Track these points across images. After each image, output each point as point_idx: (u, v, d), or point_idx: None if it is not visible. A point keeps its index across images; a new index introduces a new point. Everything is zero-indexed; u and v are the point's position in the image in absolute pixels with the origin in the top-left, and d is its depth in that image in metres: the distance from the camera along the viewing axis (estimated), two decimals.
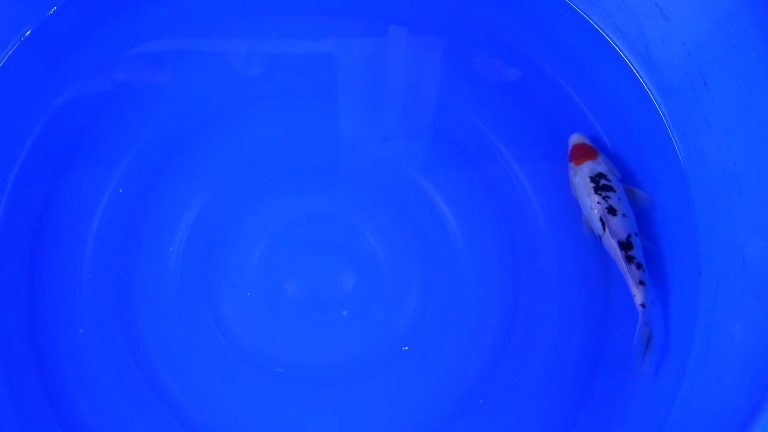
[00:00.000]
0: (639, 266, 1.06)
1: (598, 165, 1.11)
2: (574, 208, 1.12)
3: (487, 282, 1.11)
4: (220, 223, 1.13)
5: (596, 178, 1.10)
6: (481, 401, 1.08)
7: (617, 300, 1.10)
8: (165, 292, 1.11)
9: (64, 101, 1.16)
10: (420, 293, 1.11)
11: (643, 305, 1.05)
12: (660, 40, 1.11)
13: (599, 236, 1.09)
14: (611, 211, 1.08)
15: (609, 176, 1.10)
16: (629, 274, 1.05)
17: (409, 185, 1.14)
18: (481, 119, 1.16)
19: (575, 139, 1.14)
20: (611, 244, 1.07)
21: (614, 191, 1.09)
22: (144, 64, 1.17)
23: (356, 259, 1.12)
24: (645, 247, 1.08)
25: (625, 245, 1.06)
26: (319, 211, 1.14)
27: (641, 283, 1.05)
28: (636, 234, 1.07)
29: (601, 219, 1.08)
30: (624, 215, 1.08)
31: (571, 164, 1.13)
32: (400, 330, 1.10)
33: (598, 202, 1.08)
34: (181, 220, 1.13)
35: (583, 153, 1.12)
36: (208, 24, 1.19)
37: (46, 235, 1.12)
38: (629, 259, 1.06)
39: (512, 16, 1.18)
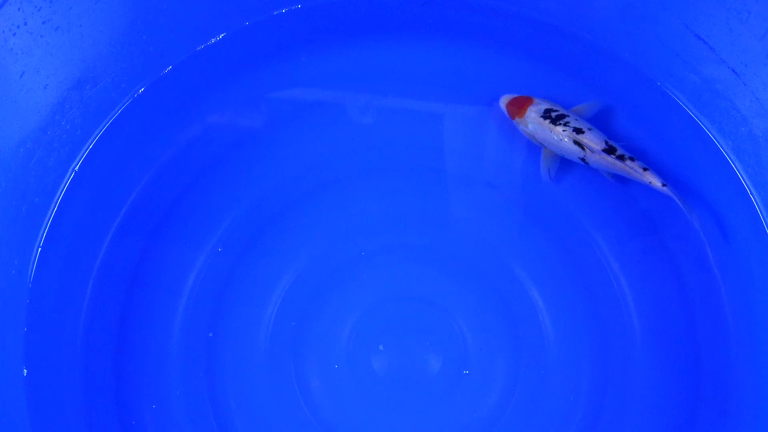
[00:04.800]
0: (633, 159, 1.09)
1: (540, 105, 1.13)
2: (668, 308, 1.12)
3: (575, 374, 1.11)
4: (314, 292, 1.14)
5: (547, 115, 1.12)
6: None
7: (707, 395, 1.09)
8: (254, 356, 1.13)
9: (171, 159, 1.17)
10: (506, 380, 1.11)
11: (664, 185, 1.08)
12: None
13: (582, 159, 1.11)
14: (579, 131, 1.11)
15: (555, 108, 1.13)
16: (631, 169, 1.09)
17: (503, 271, 1.15)
18: (580, 209, 1.16)
19: (505, 99, 1.16)
20: (598, 158, 1.10)
21: (568, 116, 1.12)
22: (251, 129, 1.18)
23: (445, 341, 1.12)
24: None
25: (608, 150, 1.09)
26: (411, 290, 1.15)
27: (645, 169, 1.09)
28: (609, 138, 1.11)
29: (575, 142, 1.10)
30: (590, 129, 1.11)
31: (517, 120, 1.14)
32: (484, 415, 1.10)
33: (563, 131, 1.11)
34: (276, 286, 1.14)
35: (520, 104, 1.14)
36: (313, 96, 1.20)
37: (141, 290, 1.14)
38: (621, 158, 1.09)
39: (616, 108, 1.18)
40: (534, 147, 1.17)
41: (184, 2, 1.13)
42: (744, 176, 1.13)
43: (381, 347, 1.12)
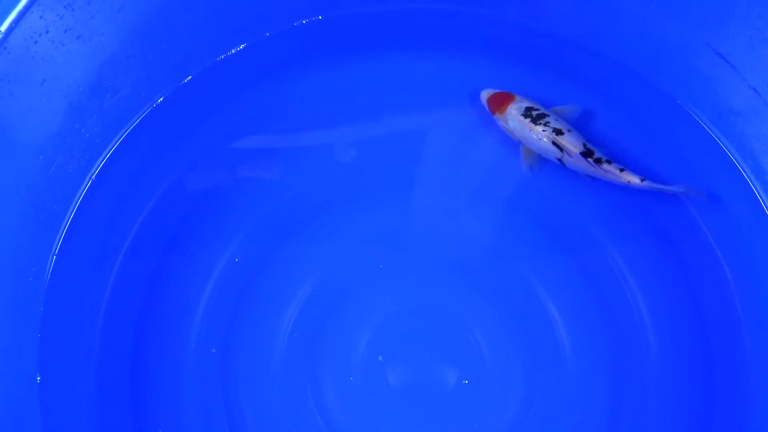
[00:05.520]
0: (609, 162, 1.10)
1: (522, 102, 1.14)
2: (684, 323, 1.12)
3: (591, 388, 1.11)
4: (331, 303, 1.14)
5: (528, 113, 1.13)
6: None
7: (722, 408, 1.09)
8: (269, 368, 1.13)
9: (189, 168, 1.18)
10: (523, 394, 1.11)
11: (643, 180, 1.09)
12: None
13: (558, 159, 1.12)
14: (558, 132, 1.12)
15: (536, 107, 1.14)
16: (608, 171, 1.10)
17: (520, 285, 1.14)
18: (596, 224, 1.16)
19: (486, 93, 1.17)
20: (575, 160, 1.11)
21: (549, 116, 1.13)
22: (270, 139, 1.19)
23: (461, 354, 1.12)
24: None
25: (586, 153, 1.10)
26: (428, 303, 1.14)
27: (622, 170, 1.10)
28: (587, 141, 1.12)
29: (554, 143, 1.11)
30: (569, 130, 1.12)
31: (497, 116, 1.15)
32: (500, 429, 1.10)
33: (543, 130, 1.12)
34: (293, 297, 1.14)
35: (501, 100, 1.15)
36: (333, 107, 1.20)
37: (157, 299, 1.14)
38: (598, 161, 1.10)
39: (635, 125, 1.18)
40: (555, 163, 1.17)
41: (206, 12, 1.13)
42: (764, 197, 1.13)
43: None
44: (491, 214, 1.18)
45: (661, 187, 1.09)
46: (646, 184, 1.09)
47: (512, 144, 1.18)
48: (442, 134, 1.19)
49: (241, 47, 1.19)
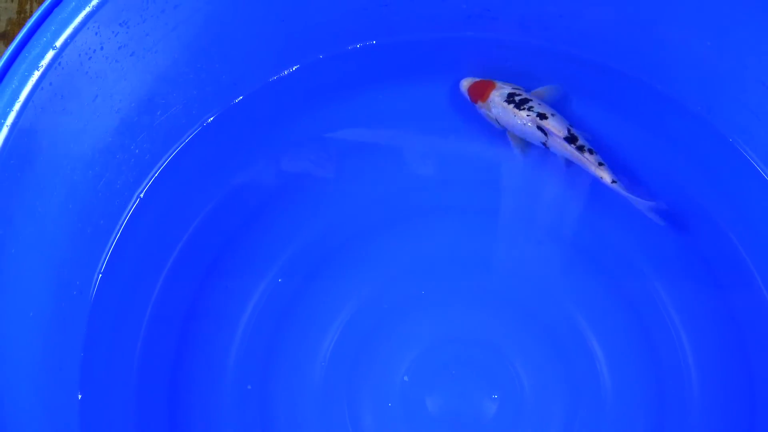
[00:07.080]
0: (591, 152, 1.10)
1: (503, 89, 1.14)
2: (727, 362, 1.11)
3: (631, 424, 1.10)
4: (372, 328, 1.14)
5: (510, 99, 1.13)
6: None
7: None
8: (308, 390, 1.12)
9: (236, 188, 1.18)
10: (562, 427, 1.10)
11: (614, 182, 1.09)
12: None
13: (543, 143, 1.13)
14: (542, 116, 1.12)
15: (518, 92, 1.14)
16: (587, 162, 1.10)
17: (563, 318, 1.14)
18: (642, 259, 1.15)
19: (467, 82, 1.17)
20: (558, 144, 1.11)
21: (532, 100, 1.13)
22: (318, 162, 1.19)
23: (501, 384, 1.12)
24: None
25: (570, 138, 1.10)
26: (470, 332, 1.14)
27: (600, 164, 1.10)
28: (571, 126, 1.12)
29: (538, 127, 1.11)
30: (553, 114, 1.12)
31: (479, 104, 1.15)
32: None
33: (527, 115, 1.12)
34: (334, 321, 1.14)
35: (483, 88, 1.15)
36: (383, 133, 1.21)
37: (199, 319, 1.14)
38: (580, 149, 1.10)
39: (685, 160, 1.18)
40: (594, 190, 1.16)
41: (260, 33, 1.13)
42: None
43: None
44: (535, 245, 1.17)
45: (628, 195, 1.09)
46: (616, 186, 1.09)
47: (560, 174, 1.17)
48: (490, 162, 1.19)
49: (294, 68, 1.18)
